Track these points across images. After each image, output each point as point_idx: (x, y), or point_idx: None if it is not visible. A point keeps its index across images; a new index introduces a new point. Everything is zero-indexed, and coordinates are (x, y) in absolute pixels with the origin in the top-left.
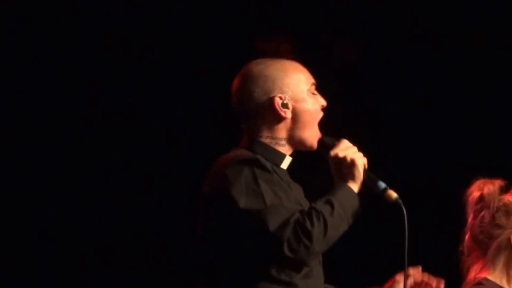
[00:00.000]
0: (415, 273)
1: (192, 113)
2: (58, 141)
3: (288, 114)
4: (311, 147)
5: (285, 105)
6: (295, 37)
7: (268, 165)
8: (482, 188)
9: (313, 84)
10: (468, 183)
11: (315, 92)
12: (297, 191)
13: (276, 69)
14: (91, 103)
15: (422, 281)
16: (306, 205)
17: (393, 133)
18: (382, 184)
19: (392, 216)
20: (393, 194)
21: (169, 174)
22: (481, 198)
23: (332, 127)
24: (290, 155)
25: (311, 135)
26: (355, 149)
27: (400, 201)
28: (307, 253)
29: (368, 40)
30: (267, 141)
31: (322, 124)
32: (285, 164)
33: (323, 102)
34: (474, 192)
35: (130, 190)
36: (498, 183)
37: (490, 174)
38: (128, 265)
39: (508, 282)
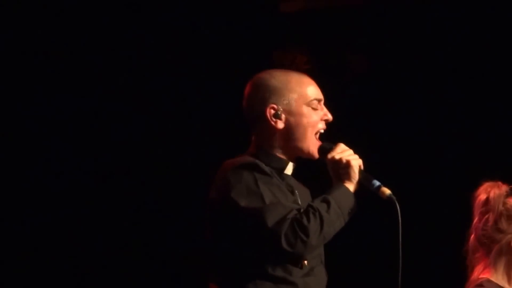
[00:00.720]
0: None
1: (209, 121)
2: (60, 142)
3: (279, 124)
4: (308, 156)
5: (277, 116)
6: (311, 49)
7: (267, 169)
8: (489, 192)
9: (316, 99)
10: (474, 185)
11: (317, 107)
12: (303, 195)
13: (279, 80)
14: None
15: None
16: None
17: (403, 135)
18: (376, 182)
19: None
20: (387, 191)
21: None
22: (487, 201)
23: (342, 133)
24: (293, 161)
25: (306, 146)
26: (351, 151)
27: (394, 197)
28: (304, 247)
29: (379, 51)
30: (268, 148)
31: (329, 131)
32: (288, 170)
33: (327, 116)
34: (481, 194)
35: (138, 191)
36: (504, 187)
37: (499, 177)
38: (133, 266)
39: (509, 283)
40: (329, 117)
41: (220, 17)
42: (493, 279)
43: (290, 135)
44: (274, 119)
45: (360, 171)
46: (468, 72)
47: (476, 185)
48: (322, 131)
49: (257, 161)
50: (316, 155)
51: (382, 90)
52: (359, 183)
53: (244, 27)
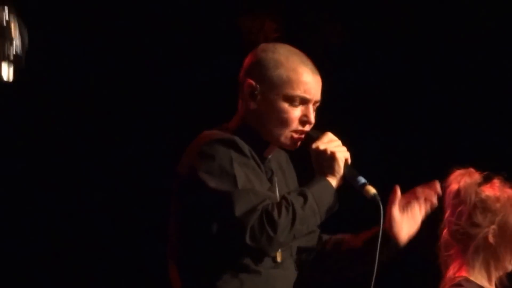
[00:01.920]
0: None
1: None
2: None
3: (252, 105)
4: (280, 147)
5: (252, 95)
6: (281, 16)
7: (246, 149)
8: (459, 181)
9: (300, 97)
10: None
11: (297, 105)
12: (285, 180)
13: (273, 58)
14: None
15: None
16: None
17: (375, 114)
18: (362, 179)
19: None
20: (371, 190)
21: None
22: (458, 192)
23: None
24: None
25: (275, 139)
26: (338, 142)
27: (378, 198)
28: (269, 243)
29: (357, 21)
30: (250, 124)
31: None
32: (268, 152)
33: (305, 118)
34: (452, 184)
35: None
36: (476, 175)
37: (471, 164)
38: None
39: (489, 280)
40: (310, 119)
41: None
42: (472, 278)
43: (260, 119)
44: (248, 97)
45: (345, 165)
46: (447, 44)
47: (446, 174)
48: (299, 131)
49: (236, 138)
50: (288, 148)
51: (362, 63)
52: (343, 178)
53: None
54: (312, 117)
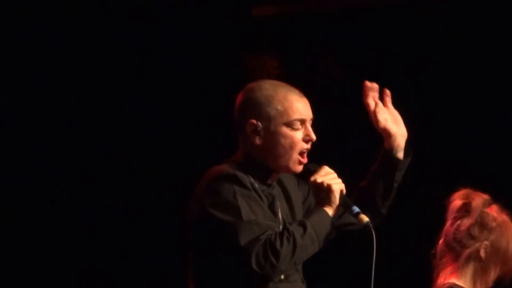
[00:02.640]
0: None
1: (183, 125)
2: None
3: (258, 141)
4: (289, 173)
5: (256, 132)
6: (282, 55)
7: (247, 182)
8: (469, 199)
9: (298, 120)
10: (440, 193)
11: (299, 127)
12: (288, 204)
13: (264, 95)
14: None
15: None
16: (295, 216)
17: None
18: (356, 209)
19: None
20: (365, 218)
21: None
22: (465, 207)
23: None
24: (278, 172)
25: (285, 165)
26: (334, 175)
27: (371, 225)
28: (272, 270)
29: (351, 57)
30: (254, 157)
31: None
32: (272, 179)
33: (309, 137)
34: (457, 200)
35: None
36: (486, 196)
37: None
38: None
39: None
40: (312, 137)
41: (192, 20)
42: (459, 283)
43: (268, 152)
44: (253, 135)
45: (341, 196)
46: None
47: (445, 192)
48: (305, 150)
49: (238, 173)
50: (296, 171)
51: (354, 96)
52: (339, 207)
53: (216, 30)
54: (312, 134)
